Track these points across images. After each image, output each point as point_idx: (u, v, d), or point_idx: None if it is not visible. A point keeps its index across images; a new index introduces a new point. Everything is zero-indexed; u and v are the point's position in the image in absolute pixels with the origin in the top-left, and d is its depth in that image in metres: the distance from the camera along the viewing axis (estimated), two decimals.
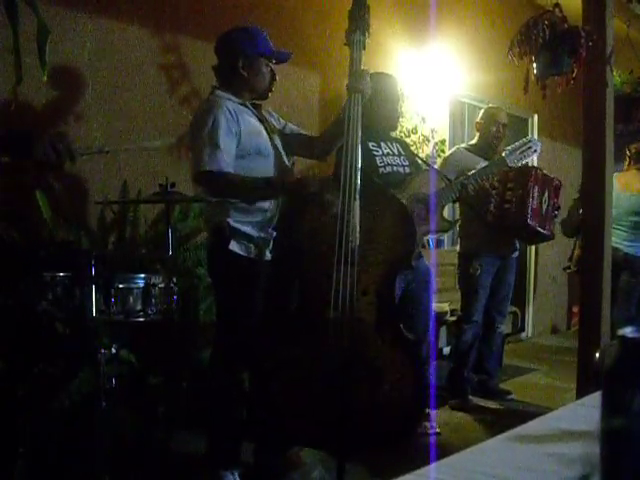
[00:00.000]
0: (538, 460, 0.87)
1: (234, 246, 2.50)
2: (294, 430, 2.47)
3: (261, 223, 2.53)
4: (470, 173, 3.42)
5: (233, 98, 2.54)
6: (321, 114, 4.36)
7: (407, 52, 4.93)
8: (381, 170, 3.11)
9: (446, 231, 3.70)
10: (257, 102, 2.65)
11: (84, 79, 3.27)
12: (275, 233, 2.54)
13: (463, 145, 4.24)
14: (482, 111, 4.22)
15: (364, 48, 2.44)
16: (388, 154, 3.20)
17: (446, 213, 4.01)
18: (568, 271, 5.15)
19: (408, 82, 4.64)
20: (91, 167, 3.29)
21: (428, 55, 4.96)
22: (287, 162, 2.64)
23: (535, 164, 3.77)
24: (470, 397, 4.00)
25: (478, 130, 4.12)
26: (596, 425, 0.71)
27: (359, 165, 2.34)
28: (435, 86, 5.11)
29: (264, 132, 2.56)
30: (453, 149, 4.27)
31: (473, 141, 4.16)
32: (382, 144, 3.21)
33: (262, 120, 2.60)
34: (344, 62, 4.49)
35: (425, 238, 3.43)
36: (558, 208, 3.90)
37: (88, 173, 3.29)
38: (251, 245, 2.51)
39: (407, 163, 3.25)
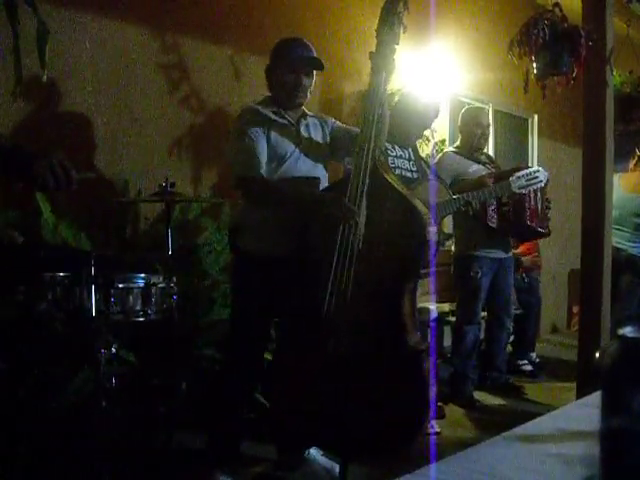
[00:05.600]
0: (538, 460, 0.87)
1: (241, 242, 2.57)
2: (300, 431, 2.48)
3: (269, 220, 2.54)
4: (475, 193, 3.44)
5: (266, 106, 2.60)
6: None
7: (407, 51, 4.92)
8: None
9: (442, 244, 3.72)
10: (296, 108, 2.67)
11: (84, 79, 3.27)
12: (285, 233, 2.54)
13: (451, 148, 4.23)
14: (461, 113, 4.19)
15: (397, 43, 2.40)
16: (400, 157, 3.30)
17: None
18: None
19: (408, 81, 4.63)
20: (91, 167, 3.29)
21: (428, 54, 4.95)
22: (312, 170, 2.63)
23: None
24: (474, 397, 4.01)
25: (461, 132, 4.12)
26: (596, 425, 0.71)
27: (374, 153, 2.34)
28: (435, 85, 5.10)
29: (288, 140, 2.58)
30: (442, 153, 4.27)
31: (457, 143, 4.15)
32: (396, 147, 3.31)
33: (296, 128, 2.61)
34: (344, 62, 4.51)
35: None
36: (549, 202, 3.92)
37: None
38: (260, 242, 2.54)
39: (415, 169, 3.36)
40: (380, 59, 2.40)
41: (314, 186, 2.65)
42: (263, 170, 2.49)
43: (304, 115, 2.68)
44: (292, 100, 2.62)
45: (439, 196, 3.36)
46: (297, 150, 2.59)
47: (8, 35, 2.44)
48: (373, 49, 2.43)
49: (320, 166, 2.68)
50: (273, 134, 2.54)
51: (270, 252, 2.51)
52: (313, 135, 2.68)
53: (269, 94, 2.69)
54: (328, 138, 2.73)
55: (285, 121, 2.60)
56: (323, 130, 2.73)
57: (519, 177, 3.57)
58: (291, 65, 2.57)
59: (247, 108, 2.66)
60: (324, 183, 2.68)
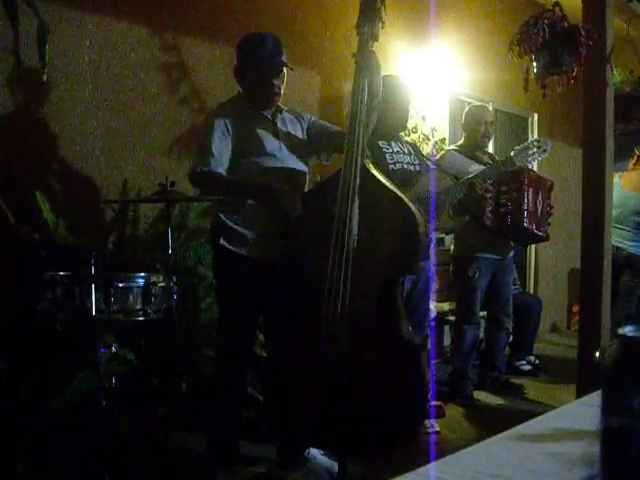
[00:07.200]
0: (538, 460, 0.87)
1: (223, 241, 2.56)
2: (299, 431, 2.48)
3: (250, 221, 2.54)
4: (477, 172, 3.43)
5: (240, 102, 2.60)
6: (321, 114, 4.36)
7: (407, 51, 4.92)
8: (391, 167, 3.15)
9: (453, 230, 3.70)
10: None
11: (84, 79, 3.27)
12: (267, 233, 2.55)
13: (453, 147, 4.21)
14: (465, 111, 4.18)
15: (376, 39, 2.41)
16: (398, 152, 3.24)
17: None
18: None
19: (408, 81, 4.64)
20: (91, 167, 3.29)
21: (428, 54, 4.96)
22: (295, 164, 2.64)
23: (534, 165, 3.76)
24: (474, 396, 4.01)
25: (464, 131, 4.11)
26: (596, 425, 0.71)
27: (363, 151, 2.33)
28: (435, 85, 5.10)
29: (270, 134, 2.58)
30: (443, 151, 4.27)
31: (460, 142, 4.14)
32: (392, 143, 3.25)
33: (273, 123, 2.62)
34: (344, 62, 4.51)
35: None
36: (552, 208, 3.90)
37: (88, 173, 3.28)
38: (241, 243, 2.54)
39: (417, 162, 3.30)
40: (361, 56, 2.40)
41: (301, 180, 2.66)
42: (222, 167, 2.48)
43: (279, 110, 2.66)
44: (269, 103, 2.61)
45: (443, 185, 3.31)
46: (279, 144, 2.58)
47: (8, 35, 2.44)
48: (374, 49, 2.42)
49: (303, 160, 2.68)
50: (252, 128, 2.54)
51: (253, 256, 2.53)
52: (291, 129, 2.67)
53: (240, 91, 2.67)
54: (305, 134, 2.72)
55: (261, 116, 2.60)
56: (301, 125, 2.72)
57: (520, 150, 3.55)
58: (256, 70, 2.56)
59: (223, 103, 2.65)
60: (306, 179, 2.69)
